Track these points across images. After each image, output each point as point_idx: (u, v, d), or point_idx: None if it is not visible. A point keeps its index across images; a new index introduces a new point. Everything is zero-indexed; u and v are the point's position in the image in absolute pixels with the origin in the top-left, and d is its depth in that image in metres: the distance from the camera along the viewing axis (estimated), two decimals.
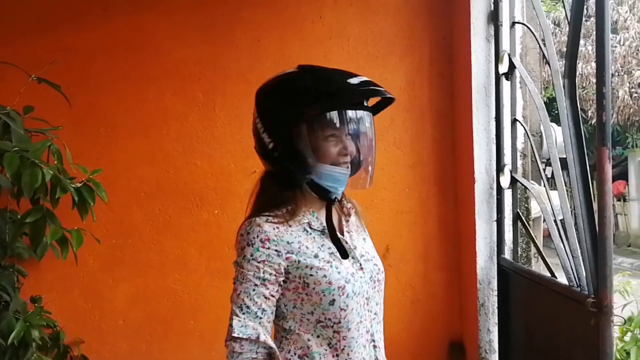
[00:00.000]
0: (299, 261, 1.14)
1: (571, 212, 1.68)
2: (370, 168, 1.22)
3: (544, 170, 2.65)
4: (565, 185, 1.74)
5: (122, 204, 2.42)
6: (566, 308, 1.71)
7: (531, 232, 2.12)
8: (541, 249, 2.10)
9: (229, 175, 2.45)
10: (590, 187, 1.56)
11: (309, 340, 1.16)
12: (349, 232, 1.26)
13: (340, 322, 1.14)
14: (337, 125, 1.15)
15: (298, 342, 1.17)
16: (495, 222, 2.24)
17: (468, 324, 2.42)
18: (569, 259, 1.70)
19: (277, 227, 1.15)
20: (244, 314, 1.12)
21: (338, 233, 1.19)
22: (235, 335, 1.10)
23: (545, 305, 1.87)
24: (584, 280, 1.58)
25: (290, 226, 1.16)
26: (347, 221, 1.28)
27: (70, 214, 1.95)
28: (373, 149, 1.22)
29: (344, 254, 1.16)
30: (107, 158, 2.38)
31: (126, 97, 2.43)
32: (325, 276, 1.13)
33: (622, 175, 11.26)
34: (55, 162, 1.96)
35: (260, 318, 1.13)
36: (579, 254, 1.62)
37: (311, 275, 1.13)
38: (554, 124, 2.63)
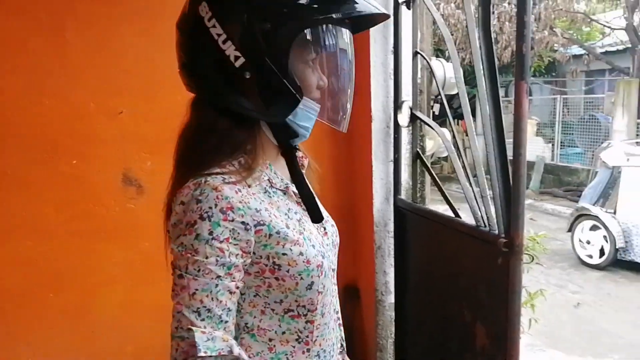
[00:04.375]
0: (269, 235, 0.84)
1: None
2: (349, 106, 0.96)
3: (432, 107, 2.62)
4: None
5: None
6: (470, 248, 1.70)
7: (432, 171, 2.06)
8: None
9: (88, 117, 2.01)
10: (502, 123, 1.51)
11: (270, 340, 0.89)
12: None
13: (316, 309, 0.89)
14: (328, 41, 0.88)
15: (253, 347, 0.88)
16: (391, 162, 2.16)
17: (363, 267, 2.36)
18: (476, 198, 1.66)
19: (240, 190, 0.82)
20: (203, 320, 0.78)
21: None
22: (202, 355, 0.76)
23: (447, 245, 1.85)
24: (493, 220, 1.55)
25: (249, 186, 0.85)
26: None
27: None
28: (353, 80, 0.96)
29: (319, 216, 0.90)
30: None
31: None
32: (301, 253, 0.85)
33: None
34: None
35: (226, 322, 0.80)
36: (487, 194, 1.59)
37: (284, 254, 0.84)
38: (442, 59, 2.57)
